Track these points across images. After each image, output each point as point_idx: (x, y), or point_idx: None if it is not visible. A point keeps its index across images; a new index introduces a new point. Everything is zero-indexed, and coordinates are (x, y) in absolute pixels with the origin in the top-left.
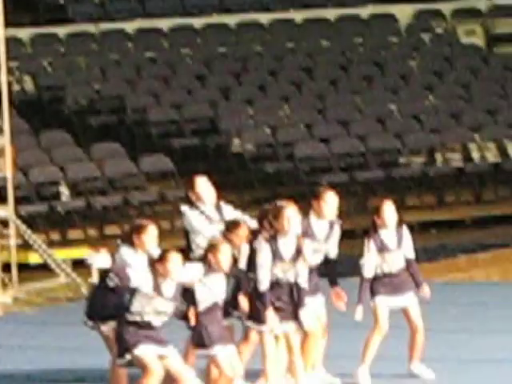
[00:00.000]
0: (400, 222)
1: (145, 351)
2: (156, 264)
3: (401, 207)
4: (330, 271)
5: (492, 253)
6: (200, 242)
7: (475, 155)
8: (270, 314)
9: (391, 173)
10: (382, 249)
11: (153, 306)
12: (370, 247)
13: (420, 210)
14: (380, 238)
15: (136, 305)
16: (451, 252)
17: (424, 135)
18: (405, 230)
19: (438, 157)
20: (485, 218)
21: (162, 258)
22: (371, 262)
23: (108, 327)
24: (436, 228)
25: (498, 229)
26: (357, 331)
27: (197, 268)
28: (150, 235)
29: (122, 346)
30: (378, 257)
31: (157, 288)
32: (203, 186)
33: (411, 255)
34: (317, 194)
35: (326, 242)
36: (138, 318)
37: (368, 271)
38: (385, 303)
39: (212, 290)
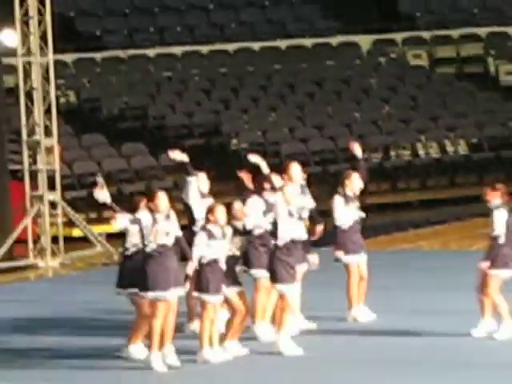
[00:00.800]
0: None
1: (162, 295)
2: (148, 203)
3: (364, 192)
4: (313, 214)
5: (434, 228)
6: (199, 215)
7: (421, 152)
8: None
9: (355, 166)
10: (347, 201)
11: (159, 229)
12: (337, 201)
13: (378, 195)
14: (345, 194)
15: (148, 237)
16: (402, 227)
17: (381, 136)
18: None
19: (392, 153)
20: (429, 201)
21: (152, 196)
22: (342, 212)
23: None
24: (391, 209)
25: (439, 209)
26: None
27: (201, 237)
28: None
29: (145, 283)
30: (345, 207)
31: (154, 220)
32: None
33: None
34: (285, 168)
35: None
36: (154, 246)
37: (341, 221)
38: (354, 260)
39: (214, 249)
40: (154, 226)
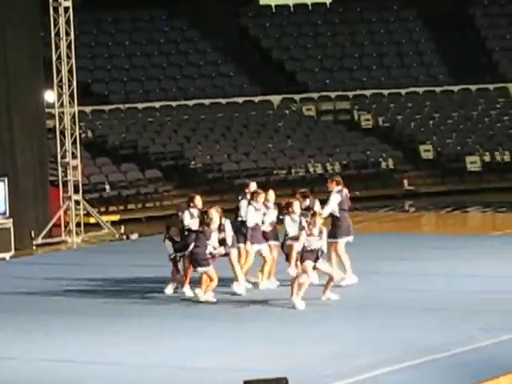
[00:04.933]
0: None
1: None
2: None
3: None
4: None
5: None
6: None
7: (311, 170)
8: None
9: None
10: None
11: None
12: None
13: (283, 197)
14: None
15: None
16: None
17: (286, 160)
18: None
19: (293, 171)
20: None
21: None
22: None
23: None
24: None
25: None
26: None
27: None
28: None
29: None
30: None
31: None
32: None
33: None
34: (246, 185)
35: None
36: None
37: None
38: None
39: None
40: None
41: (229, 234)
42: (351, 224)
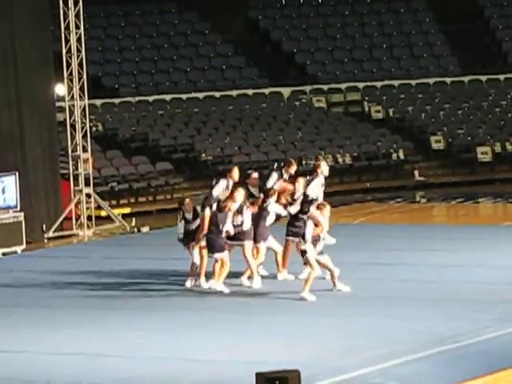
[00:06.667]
0: None
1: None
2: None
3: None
4: None
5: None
6: None
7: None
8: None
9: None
10: None
11: None
12: None
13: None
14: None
15: None
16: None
17: (296, 152)
18: None
19: (303, 162)
20: (327, 193)
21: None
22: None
23: None
24: None
25: (333, 198)
26: None
27: None
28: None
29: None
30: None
31: None
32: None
33: None
34: (230, 170)
35: None
36: None
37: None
38: None
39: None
40: None
41: (247, 218)
42: None
